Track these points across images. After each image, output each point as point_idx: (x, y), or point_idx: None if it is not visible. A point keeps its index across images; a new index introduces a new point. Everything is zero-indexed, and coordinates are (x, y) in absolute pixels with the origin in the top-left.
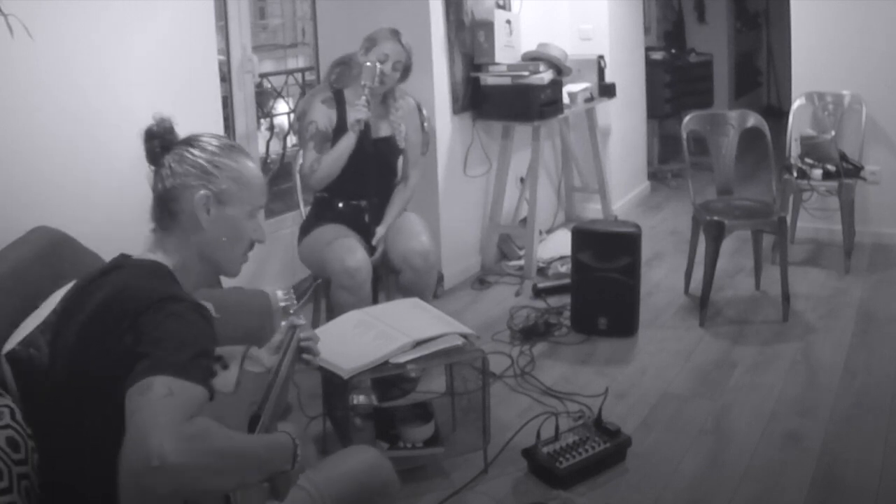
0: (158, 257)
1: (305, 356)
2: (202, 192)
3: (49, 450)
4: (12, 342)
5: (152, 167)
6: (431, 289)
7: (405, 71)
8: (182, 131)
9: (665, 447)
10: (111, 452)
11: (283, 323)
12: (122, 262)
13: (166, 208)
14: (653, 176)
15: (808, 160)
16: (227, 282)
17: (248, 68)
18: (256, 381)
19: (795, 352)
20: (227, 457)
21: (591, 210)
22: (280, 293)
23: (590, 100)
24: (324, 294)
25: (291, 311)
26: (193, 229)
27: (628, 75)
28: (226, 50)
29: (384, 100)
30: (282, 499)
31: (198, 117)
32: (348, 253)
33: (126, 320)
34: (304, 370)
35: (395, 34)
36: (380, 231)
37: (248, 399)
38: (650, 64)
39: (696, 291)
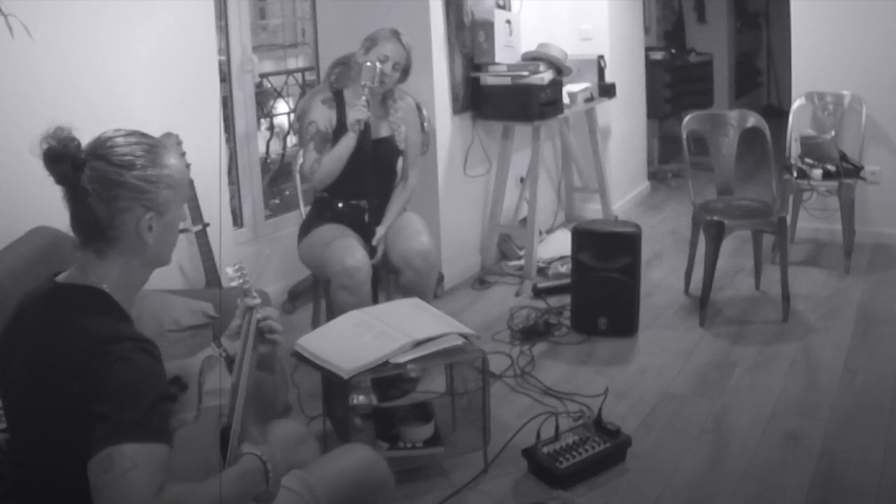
0: (91, 280)
1: (269, 336)
2: (146, 215)
3: (20, 451)
4: None
5: (63, 189)
6: (432, 289)
7: (405, 71)
8: (182, 131)
9: (665, 447)
10: (76, 458)
11: (238, 301)
12: (53, 288)
13: (102, 236)
14: (653, 176)
15: (808, 160)
16: (226, 282)
17: (248, 68)
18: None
19: (795, 352)
20: None
21: (591, 210)
22: (229, 270)
23: (590, 100)
24: (324, 294)
25: (245, 287)
26: (135, 248)
27: (628, 75)
28: (226, 50)
29: (383, 100)
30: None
31: (198, 118)
32: (348, 253)
33: (71, 364)
34: (302, 369)
35: (395, 34)
36: (380, 231)
37: (215, 413)
38: (650, 64)
39: (696, 291)
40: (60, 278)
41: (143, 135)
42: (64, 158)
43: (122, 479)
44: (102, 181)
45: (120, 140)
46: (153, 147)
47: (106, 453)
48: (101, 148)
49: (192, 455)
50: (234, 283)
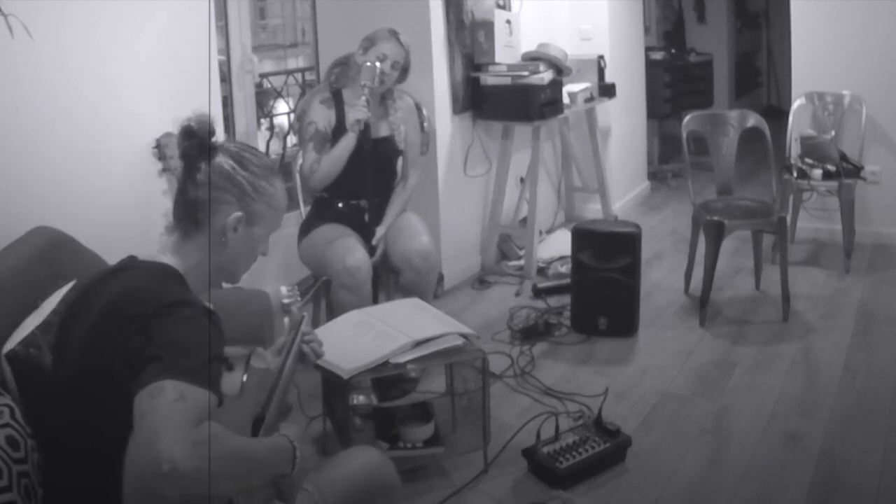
0: (169, 260)
1: (306, 350)
2: (237, 213)
3: (51, 449)
4: (12, 342)
5: (182, 164)
6: (432, 289)
7: (404, 71)
8: None
9: (665, 447)
10: (115, 451)
11: (286, 320)
12: (131, 263)
13: (193, 217)
14: (653, 176)
15: (808, 160)
16: (279, 300)
17: (248, 68)
18: (260, 381)
19: (795, 352)
20: (233, 462)
21: (591, 210)
22: (284, 289)
23: (590, 100)
24: (324, 294)
25: (295, 308)
26: (216, 243)
27: (628, 75)
28: (226, 50)
29: (383, 100)
30: (290, 502)
31: None
32: (349, 252)
33: (136, 322)
34: (304, 370)
35: (394, 34)
36: (380, 231)
37: (252, 401)
38: (650, 64)
39: (696, 291)
40: (140, 257)
41: (268, 157)
42: (193, 137)
43: (166, 406)
44: (217, 168)
45: (248, 147)
46: (271, 168)
47: (157, 385)
48: (228, 143)
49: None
50: (286, 301)
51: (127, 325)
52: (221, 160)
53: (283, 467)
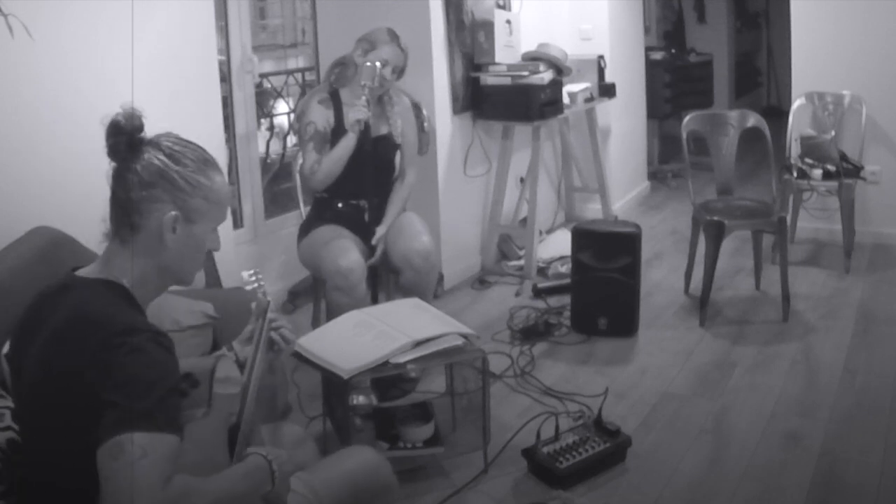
0: (113, 274)
1: (275, 337)
2: (171, 212)
3: (30, 449)
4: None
5: (113, 164)
6: (432, 289)
7: (401, 72)
8: (183, 132)
9: (665, 447)
10: (85, 453)
11: (253, 305)
12: (71, 282)
13: (127, 220)
14: (653, 176)
15: (808, 160)
16: (226, 282)
17: (248, 68)
18: (230, 396)
19: (795, 352)
20: None
21: (591, 210)
22: (245, 275)
23: (590, 100)
24: (323, 294)
25: (260, 294)
26: (155, 246)
27: (628, 75)
28: (226, 50)
29: (380, 99)
30: None
31: (198, 117)
32: (342, 254)
33: (86, 354)
34: (302, 369)
35: (395, 37)
36: (380, 231)
37: (225, 411)
38: (650, 64)
39: (696, 291)
40: (80, 272)
41: (204, 150)
42: (122, 133)
43: (131, 467)
44: (147, 165)
45: (180, 140)
46: (207, 160)
47: (116, 441)
48: (159, 138)
49: (200, 451)
50: (249, 288)
51: (78, 357)
52: (151, 156)
53: (263, 487)
